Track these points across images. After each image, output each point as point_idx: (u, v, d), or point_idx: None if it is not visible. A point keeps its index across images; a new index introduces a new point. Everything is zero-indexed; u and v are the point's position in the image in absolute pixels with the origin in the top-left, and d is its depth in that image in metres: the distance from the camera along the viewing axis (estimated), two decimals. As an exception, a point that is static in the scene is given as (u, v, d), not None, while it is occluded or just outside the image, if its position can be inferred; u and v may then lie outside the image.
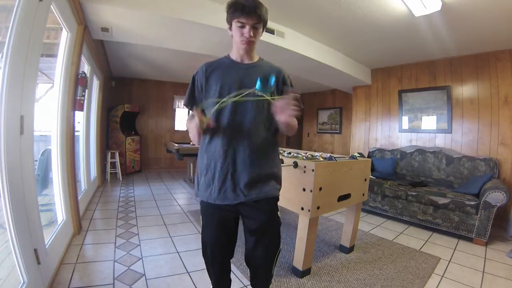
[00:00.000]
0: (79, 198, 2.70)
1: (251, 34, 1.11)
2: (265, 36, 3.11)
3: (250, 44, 1.15)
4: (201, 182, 1.23)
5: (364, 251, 2.52)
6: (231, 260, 1.41)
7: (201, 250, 1.33)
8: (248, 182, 1.15)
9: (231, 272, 1.47)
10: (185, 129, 7.36)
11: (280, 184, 1.28)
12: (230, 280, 1.43)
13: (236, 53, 1.22)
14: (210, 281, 1.43)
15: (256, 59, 1.26)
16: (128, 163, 5.91)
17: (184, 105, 1.32)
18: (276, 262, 1.28)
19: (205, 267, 1.39)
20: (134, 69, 5.72)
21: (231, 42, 1.21)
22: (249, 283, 1.85)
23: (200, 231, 1.30)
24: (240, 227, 1.32)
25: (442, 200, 3.02)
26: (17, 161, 1.38)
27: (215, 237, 1.25)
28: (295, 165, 1.92)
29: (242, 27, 1.11)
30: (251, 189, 1.15)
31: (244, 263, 2.10)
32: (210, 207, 1.21)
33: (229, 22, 1.16)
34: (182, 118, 7.35)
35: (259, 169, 1.17)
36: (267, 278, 1.32)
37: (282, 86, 1.23)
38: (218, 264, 1.31)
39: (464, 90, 3.83)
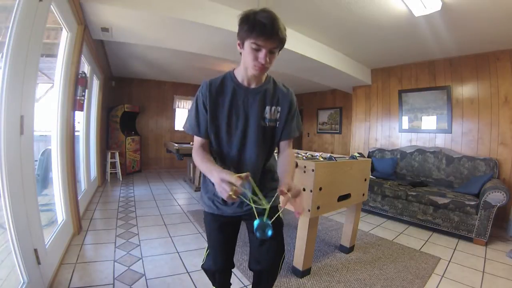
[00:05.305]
0: (79, 198, 2.70)
1: (267, 60, 0.94)
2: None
3: (263, 71, 0.99)
4: (206, 197, 1.20)
5: (364, 251, 2.52)
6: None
7: (200, 250, 1.33)
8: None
9: (232, 273, 1.47)
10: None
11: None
12: (230, 284, 1.44)
13: (243, 74, 1.07)
14: (210, 281, 1.43)
15: (263, 79, 1.11)
16: (128, 163, 5.91)
17: (187, 132, 1.12)
18: (281, 268, 1.27)
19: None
20: (134, 69, 5.72)
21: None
22: (249, 283, 1.86)
23: (200, 232, 1.29)
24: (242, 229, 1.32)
25: (442, 200, 3.02)
26: (17, 161, 1.38)
27: (219, 240, 1.24)
28: (295, 165, 1.92)
29: (258, 50, 0.93)
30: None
31: (244, 263, 2.12)
32: (213, 216, 1.20)
33: (242, 40, 0.97)
34: (182, 118, 7.36)
35: (264, 188, 1.14)
36: (271, 282, 1.30)
37: (287, 115, 1.13)
38: (223, 271, 1.30)
39: (464, 90, 3.83)
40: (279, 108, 1.12)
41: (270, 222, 0.89)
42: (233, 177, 0.83)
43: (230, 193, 0.82)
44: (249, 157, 1.10)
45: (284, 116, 1.13)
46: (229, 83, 1.09)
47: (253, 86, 1.09)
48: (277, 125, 1.13)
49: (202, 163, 1.02)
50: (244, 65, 1.03)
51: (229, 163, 1.12)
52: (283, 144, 1.17)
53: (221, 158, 1.13)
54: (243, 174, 0.85)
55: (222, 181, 0.84)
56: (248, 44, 0.94)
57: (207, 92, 1.05)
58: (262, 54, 0.93)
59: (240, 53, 1.03)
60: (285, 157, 1.13)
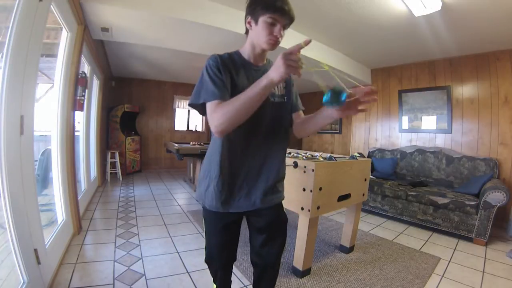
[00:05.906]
0: (79, 198, 2.70)
1: (281, 33, 1.00)
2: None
3: (275, 45, 1.02)
4: (210, 190, 1.11)
5: (364, 251, 2.52)
6: None
7: (200, 250, 1.32)
8: (265, 190, 1.12)
9: (232, 269, 1.47)
10: (184, 128, 7.38)
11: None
12: (231, 281, 1.43)
13: (250, 52, 1.09)
14: (210, 281, 1.43)
15: (265, 60, 1.16)
16: (128, 163, 5.91)
17: (200, 101, 1.01)
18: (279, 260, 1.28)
19: (205, 267, 1.38)
20: (134, 69, 5.71)
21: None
22: (249, 283, 1.86)
23: (200, 232, 1.28)
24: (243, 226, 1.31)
25: (442, 200, 3.02)
26: (17, 161, 1.38)
27: (221, 241, 1.20)
28: (295, 165, 1.92)
29: (273, 24, 0.98)
30: (267, 197, 1.13)
31: (244, 263, 2.12)
32: (216, 213, 1.14)
33: (255, 17, 1.00)
34: (182, 118, 7.37)
35: (277, 176, 1.15)
36: (274, 277, 1.31)
37: (291, 90, 1.24)
38: (225, 267, 1.30)
39: (464, 90, 3.83)
40: (284, 84, 1.20)
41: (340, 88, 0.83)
42: (296, 45, 0.79)
43: (300, 63, 0.77)
44: (273, 128, 1.13)
45: (289, 91, 1.22)
46: (237, 59, 1.09)
47: (259, 64, 1.13)
48: (286, 100, 1.19)
49: (238, 98, 0.89)
50: (253, 42, 1.07)
51: (252, 136, 1.09)
52: (295, 115, 1.25)
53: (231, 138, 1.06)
54: (303, 42, 0.80)
55: (288, 54, 0.78)
56: (263, 19, 0.98)
57: (218, 59, 1.02)
58: (277, 28, 0.99)
59: (246, 32, 1.09)
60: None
